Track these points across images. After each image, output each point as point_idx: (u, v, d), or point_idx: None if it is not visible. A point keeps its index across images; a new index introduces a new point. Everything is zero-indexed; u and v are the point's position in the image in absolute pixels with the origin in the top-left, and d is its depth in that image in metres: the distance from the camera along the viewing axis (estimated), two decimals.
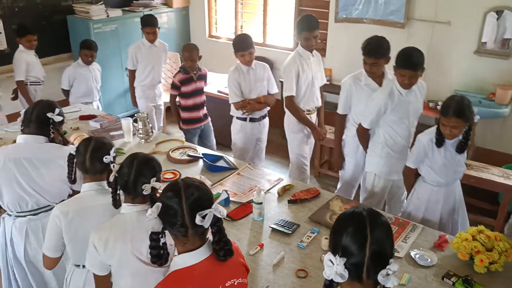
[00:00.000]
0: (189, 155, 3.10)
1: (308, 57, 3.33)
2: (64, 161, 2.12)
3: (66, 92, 4.24)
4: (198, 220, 1.32)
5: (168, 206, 1.36)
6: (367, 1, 4.47)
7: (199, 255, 1.39)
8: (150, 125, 3.42)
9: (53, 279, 2.36)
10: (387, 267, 1.13)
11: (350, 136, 3.19)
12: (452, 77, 4.23)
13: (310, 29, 3.22)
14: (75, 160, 2.01)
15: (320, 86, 3.54)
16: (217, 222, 1.38)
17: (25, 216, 2.31)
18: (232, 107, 3.54)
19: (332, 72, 5.01)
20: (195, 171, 2.94)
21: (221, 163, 3.02)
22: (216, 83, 4.83)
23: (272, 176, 2.91)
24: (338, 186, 3.47)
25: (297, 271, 2.04)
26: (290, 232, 2.29)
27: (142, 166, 1.72)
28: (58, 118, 2.32)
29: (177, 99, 3.89)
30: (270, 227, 2.35)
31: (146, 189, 1.65)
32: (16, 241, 2.35)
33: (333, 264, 1.13)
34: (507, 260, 1.99)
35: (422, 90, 2.88)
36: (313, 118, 3.53)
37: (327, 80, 4.94)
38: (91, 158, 1.92)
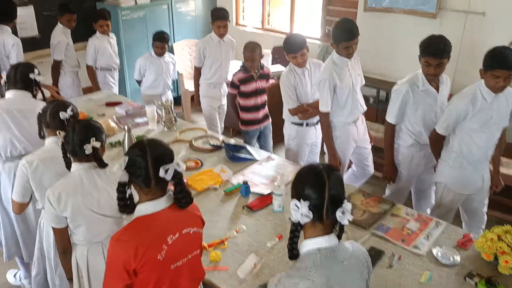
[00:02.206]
0: (211, 145, 3.11)
1: (345, 64, 3.00)
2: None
3: (139, 83, 4.25)
4: (161, 173, 1.51)
5: (134, 160, 1.54)
6: None
7: (160, 204, 1.57)
8: (174, 113, 3.44)
9: (33, 217, 2.66)
10: (342, 206, 1.34)
11: (404, 146, 2.90)
12: None
13: (351, 38, 2.88)
14: (41, 119, 2.30)
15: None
16: (177, 175, 1.56)
17: (13, 161, 2.64)
18: (286, 111, 3.29)
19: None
20: (217, 160, 2.95)
21: (243, 153, 3.02)
22: None
23: (293, 167, 2.89)
24: (387, 193, 3.14)
25: None
26: None
27: (83, 130, 1.93)
28: (39, 78, 2.73)
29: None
30: (289, 219, 2.33)
31: (87, 149, 1.89)
32: (4, 183, 2.71)
33: (299, 208, 1.32)
34: None
35: (509, 98, 2.56)
36: (359, 123, 3.22)
37: None
38: (50, 114, 2.20)
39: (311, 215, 1.32)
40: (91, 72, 4.38)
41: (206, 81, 4.06)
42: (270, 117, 3.81)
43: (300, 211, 1.32)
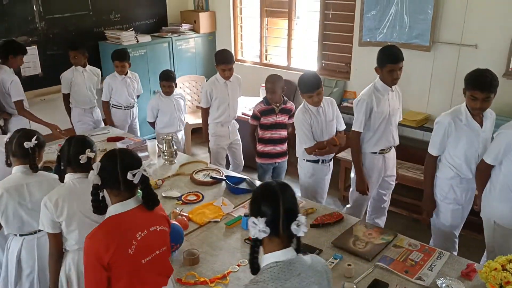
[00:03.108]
0: (212, 177, 3.12)
1: (387, 91, 3.02)
2: (3, 146, 2.53)
3: (152, 124, 4.28)
4: (129, 176, 1.71)
5: (106, 165, 1.75)
6: (392, 25, 4.46)
7: (128, 205, 1.77)
8: (175, 147, 3.47)
9: None
10: (297, 219, 1.42)
11: (443, 179, 2.80)
12: None
13: (396, 61, 2.92)
14: (8, 148, 2.39)
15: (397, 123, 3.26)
16: (145, 180, 1.78)
17: None
18: (300, 149, 3.23)
19: (357, 95, 4.99)
20: (217, 193, 2.95)
21: (243, 186, 3.03)
22: (242, 105, 4.86)
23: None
24: (432, 240, 2.97)
25: None
26: None
27: (78, 143, 2.16)
28: None
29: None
30: (245, 241, 2.33)
31: (83, 158, 2.10)
32: None
33: (256, 224, 1.40)
34: None
35: None
36: (390, 156, 3.23)
37: (350, 103, 4.96)
38: (16, 143, 2.32)
39: (268, 230, 1.41)
40: (105, 107, 4.50)
41: (214, 121, 4.02)
42: (287, 155, 3.76)
43: (258, 227, 1.40)
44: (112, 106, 4.50)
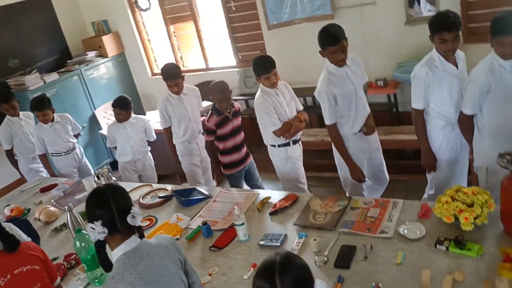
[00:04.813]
0: (160, 197, 3.03)
1: (343, 71, 2.89)
2: None
3: (115, 149, 4.08)
4: None
5: None
6: (293, 3, 4.56)
7: None
8: (114, 178, 3.33)
9: None
10: (131, 212, 1.62)
11: (435, 130, 2.78)
12: (392, 53, 4.35)
13: (336, 42, 2.74)
14: None
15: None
16: None
17: None
18: (269, 136, 3.20)
19: (280, 78, 5.06)
20: (170, 211, 2.86)
21: (194, 195, 2.96)
22: None
23: (247, 193, 2.87)
24: (430, 192, 2.94)
25: None
26: (279, 244, 2.26)
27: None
28: None
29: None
30: (258, 245, 2.31)
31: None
32: None
33: (94, 228, 1.56)
34: (490, 210, 2.01)
35: None
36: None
37: None
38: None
39: (106, 230, 1.57)
40: (43, 160, 4.20)
41: (180, 140, 3.81)
42: (251, 154, 3.67)
43: (96, 230, 1.55)
44: (52, 155, 4.19)
